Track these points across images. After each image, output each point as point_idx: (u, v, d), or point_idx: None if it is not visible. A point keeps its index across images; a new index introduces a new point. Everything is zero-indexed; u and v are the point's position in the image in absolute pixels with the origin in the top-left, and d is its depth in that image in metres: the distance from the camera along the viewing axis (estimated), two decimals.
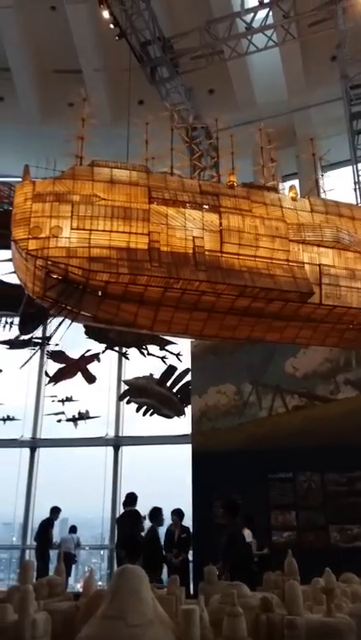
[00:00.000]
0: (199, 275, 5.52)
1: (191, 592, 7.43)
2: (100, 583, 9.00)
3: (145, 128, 6.04)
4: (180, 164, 6.16)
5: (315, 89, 13.72)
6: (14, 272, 5.96)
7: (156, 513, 9.24)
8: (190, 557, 9.92)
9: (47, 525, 11.79)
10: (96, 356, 14.25)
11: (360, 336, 6.52)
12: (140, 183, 5.72)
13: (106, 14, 12.33)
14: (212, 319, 5.93)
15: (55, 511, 11.90)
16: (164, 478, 14.07)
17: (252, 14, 12.73)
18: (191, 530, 10.08)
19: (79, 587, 11.42)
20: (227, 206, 5.93)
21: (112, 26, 12.55)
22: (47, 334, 15.46)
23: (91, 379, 14.45)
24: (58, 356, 14.72)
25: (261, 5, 12.56)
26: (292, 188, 6.53)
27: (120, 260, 5.34)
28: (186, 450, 10.69)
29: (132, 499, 9.66)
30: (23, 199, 5.50)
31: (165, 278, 5.43)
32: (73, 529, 12.29)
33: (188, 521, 10.26)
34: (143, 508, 9.72)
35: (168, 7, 14.17)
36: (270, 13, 12.59)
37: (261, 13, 12.67)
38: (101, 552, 14.80)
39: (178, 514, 9.91)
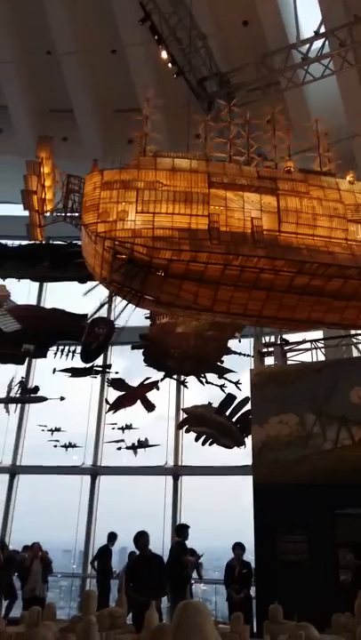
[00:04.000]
0: (258, 251, 5.67)
1: (254, 630, 7.16)
2: None
3: (205, 125, 6.49)
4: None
5: None
6: (83, 257, 6.27)
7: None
8: (252, 594, 9.60)
9: (106, 555, 11.79)
10: (155, 384, 14.33)
11: None
12: (199, 170, 6.06)
13: (164, 54, 12.83)
14: (271, 299, 5.99)
15: (112, 537, 11.91)
16: (225, 509, 13.79)
17: (308, 45, 12.85)
18: (253, 565, 9.77)
19: None
20: (284, 189, 6.09)
21: (170, 65, 13.03)
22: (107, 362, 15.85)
23: (150, 407, 14.51)
24: (118, 383, 14.94)
25: (317, 36, 12.67)
26: (349, 172, 6.56)
27: (182, 239, 5.62)
28: (247, 481, 10.44)
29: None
30: (92, 188, 5.98)
31: (225, 255, 5.62)
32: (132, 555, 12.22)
33: (248, 555, 9.96)
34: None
35: (224, 43, 14.53)
36: (326, 43, 12.66)
37: (317, 43, 12.76)
38: None
39: (240, 547, 9.65)
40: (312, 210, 6.04)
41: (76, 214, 6.21)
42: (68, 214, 6.31)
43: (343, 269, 5.80)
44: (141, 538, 7.73)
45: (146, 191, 5.80)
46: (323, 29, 12.65)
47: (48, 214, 6.62)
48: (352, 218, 6.07)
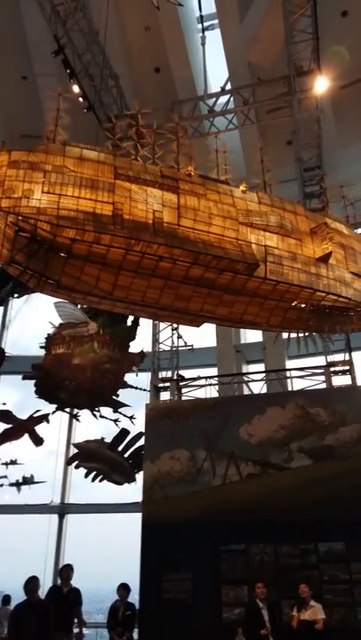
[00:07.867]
0: (158, 239, 6.03)
1: None
2: None
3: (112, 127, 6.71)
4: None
5: (272, 170, 14.62)
6: None
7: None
8: (135, 637, 9.33)
9: None
10: (45, 417, 13.78)
11: (301, 318, 7.03)
12: (106, 162, 6.30)
13: (75, 88, 12.96)
14: (169, 288, 6.39)
15: None
16: (113, 549, 13.40)
17: (214, 99, 13.70)
18: (137, 606, 9.53)
19: None
20: (185, 189, 6.60)
21: (81, 99, 13.17)
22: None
23: (38, 441, 13.89)
24: (4, 416, 14.17)
25: (223, 92, 13.57)
26: (242, 182, 7.15)
27: (86, 221, 5.78)
28: (136, 519, 10.27)
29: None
30: None
31: (127, 239, 5.87)
32: (6, 599, 11.38)
33: (134, 596, 9.71)
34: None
35: (135, 86, 15.03)
36: (231, 99, 13.58)
37: (223, 99, 13.66)
38: None
39: (125, 588, 9.38)
40: (208, 210, 6.61)
41: None
42: None
43: (233, 264, 6.37)
44: (31, 583, 7.40)
45: (53, 174, 5.95)
46: (229, 86, 13.58)
47: None
48: (243, 221, 6.73)
